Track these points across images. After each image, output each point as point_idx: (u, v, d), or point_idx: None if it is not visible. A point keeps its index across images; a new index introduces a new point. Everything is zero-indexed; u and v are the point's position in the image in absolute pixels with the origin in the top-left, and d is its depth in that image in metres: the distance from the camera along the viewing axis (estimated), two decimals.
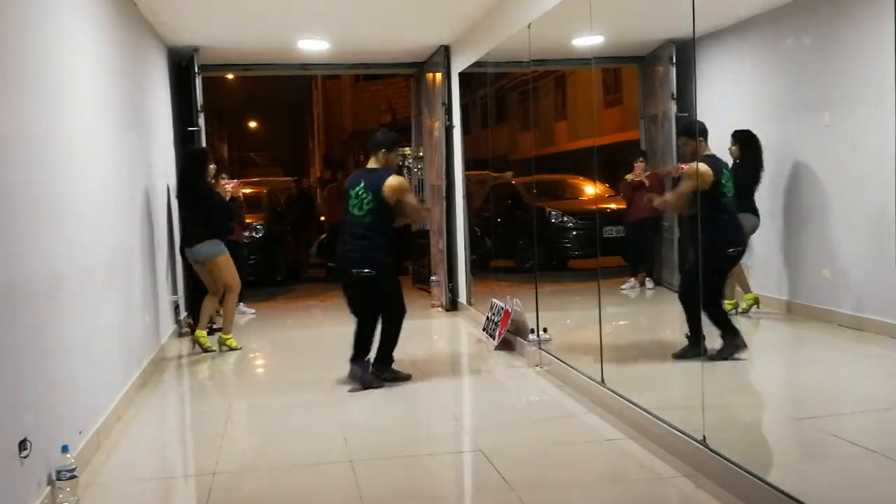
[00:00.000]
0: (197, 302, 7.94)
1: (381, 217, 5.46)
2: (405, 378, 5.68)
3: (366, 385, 5.49)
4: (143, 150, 6.64)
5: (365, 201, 5.44)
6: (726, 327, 5.15)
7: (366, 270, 5.43)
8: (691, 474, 3.73)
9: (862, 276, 5.30)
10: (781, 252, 6.01)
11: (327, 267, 12.56)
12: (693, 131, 5.15)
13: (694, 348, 5.10)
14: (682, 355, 5.25)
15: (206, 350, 6.92)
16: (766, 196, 5.72)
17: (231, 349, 7.01)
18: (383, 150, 5.61)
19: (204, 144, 8.63)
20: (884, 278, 4.77)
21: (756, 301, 6.03)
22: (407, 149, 11.16)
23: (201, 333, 6.96)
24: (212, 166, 7.21)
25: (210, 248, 6.80)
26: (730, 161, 5.53)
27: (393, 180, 5.47)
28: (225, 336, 7.04)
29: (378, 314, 5.63)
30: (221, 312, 7.26)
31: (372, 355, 5.64)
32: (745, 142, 5.49)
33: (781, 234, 5.97)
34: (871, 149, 4.94)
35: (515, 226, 10.95)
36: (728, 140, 5.63)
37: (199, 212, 6.85)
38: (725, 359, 5.06)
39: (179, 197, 7.21)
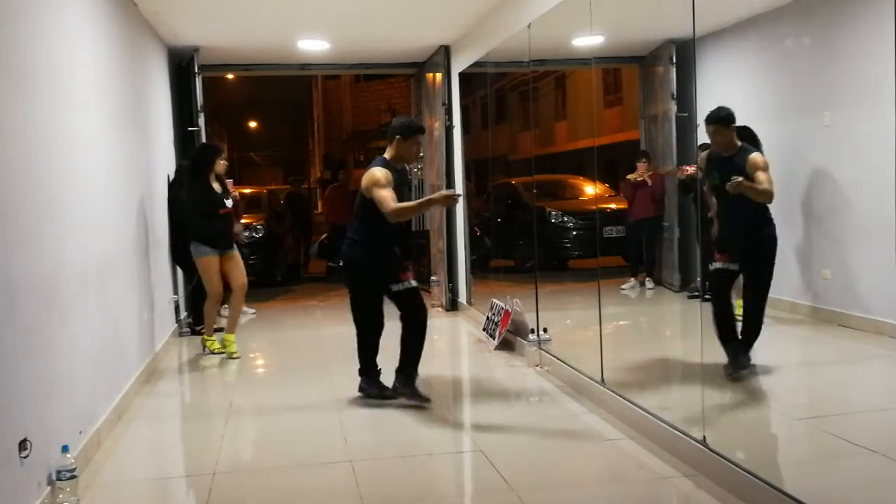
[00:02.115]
0: (197, 302, 7.94)
1: (362, 210, 5.05)
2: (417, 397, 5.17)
3: (373, 396, 5.23)
4: (142, 149, 6.64)
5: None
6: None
7: (340, 263, 5.24)
8: (691, 474, 3.73)
9: (862, 276, 5.30)
10: (781, 252, 6.01)
11: (328, 267, 12.59)
12: (725, 119, 4.88)
13: (742, 358, 4.84)
14: (736, 371, 4.87)
15: (214, 352, 6.78)
16: None
17: (211, 352, 6.80)
18: (397, 136, 5.07)
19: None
20: (884, 278, 4.77)
21: None
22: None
23: (208, 338, 6.83)
24: (222, 162, 6.80)
25: (193, 250, 6.62)
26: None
27: (368, 173, 5.00)
28: (207, 338, 6.87)
29: (374, 319, 5.26)
30: (223, 313, 7.22)
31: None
32: (746, 139, 5.38)
33: (781, 233, 5.97)
34: (872, 148, 4.94)
35: (515, 226, 10.96)
36: None
37: (192, 209, 6.69)
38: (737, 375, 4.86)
39: (184, 195, 7.06)
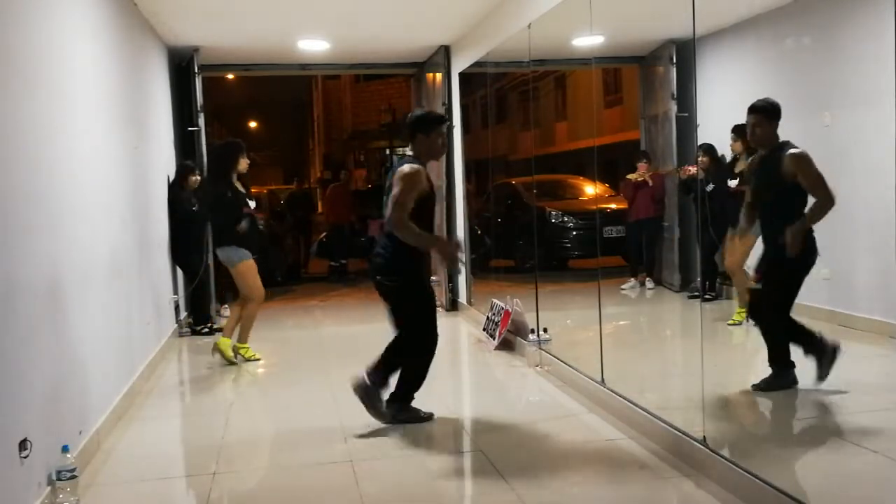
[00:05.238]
0: (197, 302, 7.94)
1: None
2: (426, 419, 4.76)
3: (411, 421, 4.72)
4: (142, 149, 6.64)
5: (388, 197, 4.51)
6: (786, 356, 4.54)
7: (386, 278, 4.61)
8: (691, 474, 3.73)
9: (862, 276, 5.30)
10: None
11: (329, 266, 12.59)
12: (768, 110, 4.41)
13: (781, 379, 4.52)
14: (766, 387, 4.58)
15: (249, 360, 6.51)
16: None
17: (247, 360, 6.49)
18: (418, 133, 4.57)
19: (204, 144, 8.59)
20: (884, 278, 4.77)
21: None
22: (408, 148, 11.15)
23: (241, 346, 6.50)
24: (244, 160, 6.43)
25: (227, 254, 6.30)
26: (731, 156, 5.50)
27: (402, 169, 4.46)
28: (240, 345, 6.50)
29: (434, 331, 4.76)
30: (223, 313, 7.11)
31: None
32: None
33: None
34: (872, 148, 4.94)
35: (515, 226, 10.96)
36: (729, 138, 5.63)
37: (218, 212, 6.45)
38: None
39: (205, 194, 6.82)
